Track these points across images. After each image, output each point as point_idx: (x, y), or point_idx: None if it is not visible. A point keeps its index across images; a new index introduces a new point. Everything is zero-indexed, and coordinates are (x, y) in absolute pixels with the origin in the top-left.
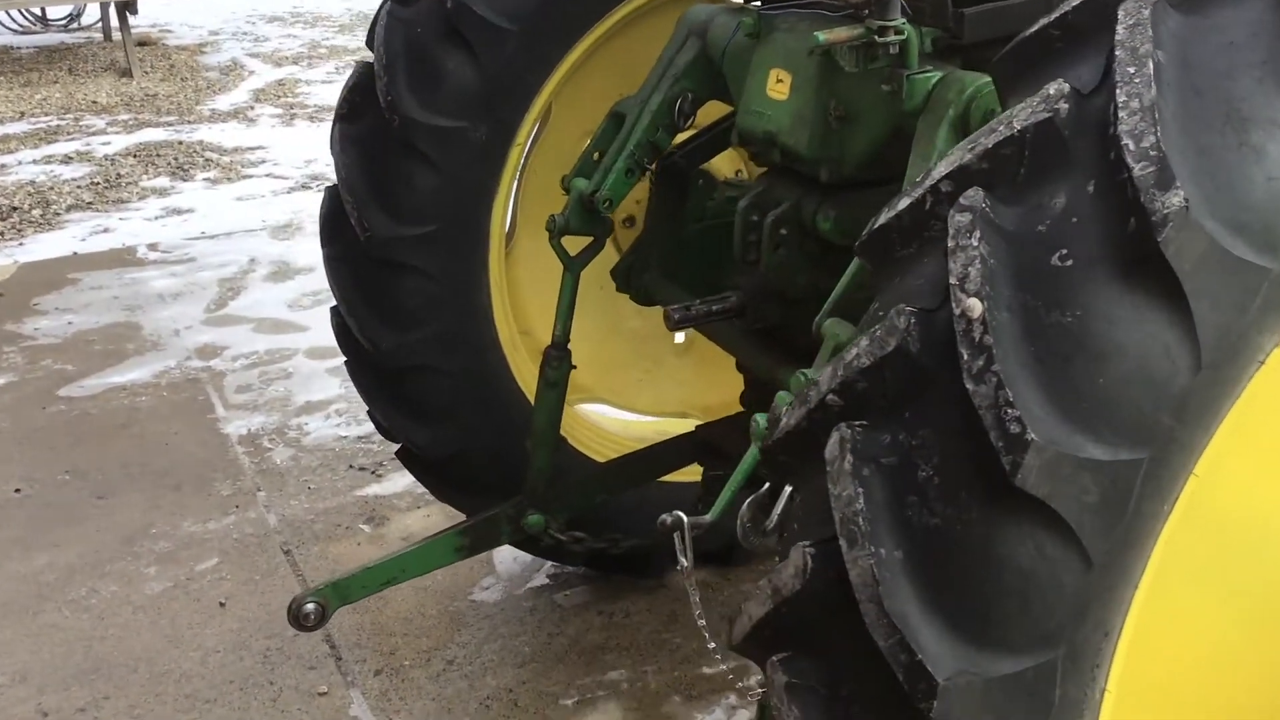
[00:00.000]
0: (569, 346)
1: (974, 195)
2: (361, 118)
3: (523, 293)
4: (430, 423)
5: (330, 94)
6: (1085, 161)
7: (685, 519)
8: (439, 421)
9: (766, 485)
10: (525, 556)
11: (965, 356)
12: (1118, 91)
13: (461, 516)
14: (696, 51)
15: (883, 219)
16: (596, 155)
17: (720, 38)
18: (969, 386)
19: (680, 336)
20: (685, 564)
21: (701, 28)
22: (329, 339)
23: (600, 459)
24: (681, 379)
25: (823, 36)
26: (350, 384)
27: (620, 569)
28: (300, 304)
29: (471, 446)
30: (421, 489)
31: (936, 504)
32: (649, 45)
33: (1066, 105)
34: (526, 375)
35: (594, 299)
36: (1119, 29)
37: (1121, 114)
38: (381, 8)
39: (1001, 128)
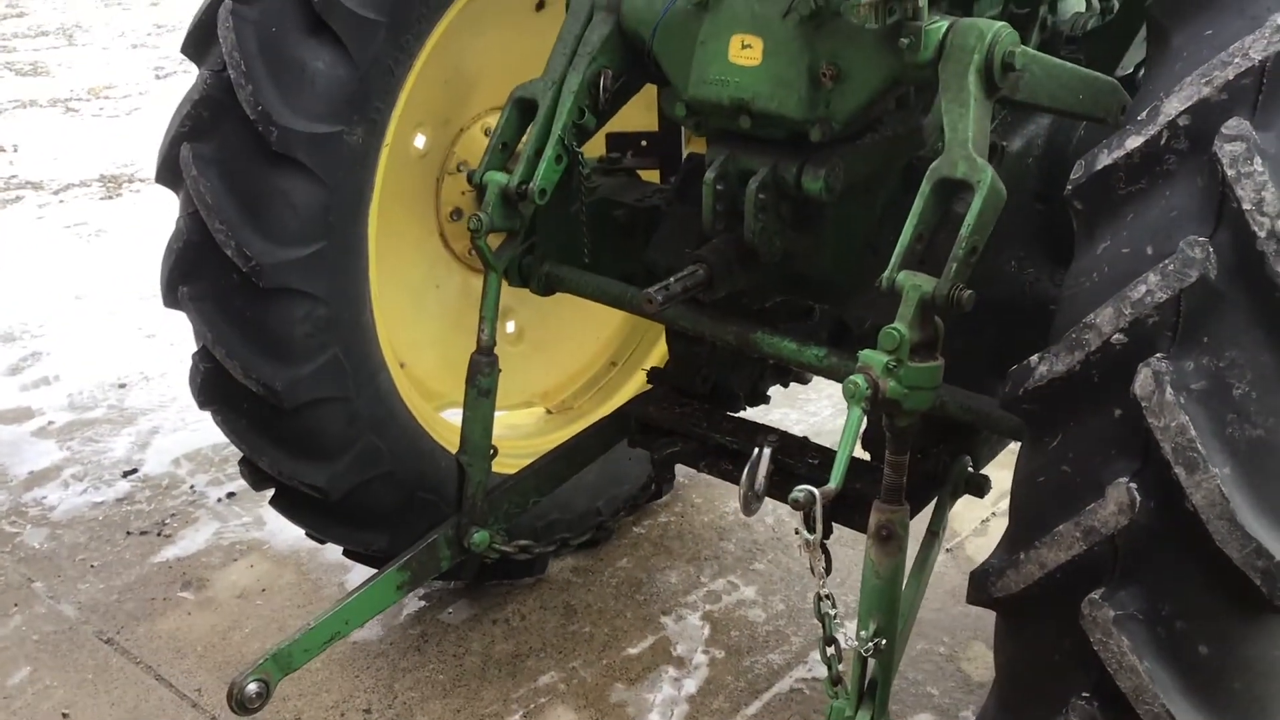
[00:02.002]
0: (495, 352)
1: (1240, 125)
2: (216, 133)
3: (383, 305)
4: (328, 460)
5: None
6: None
7: (817, 493)
8: (337, 457)
9: (756, 450)
10: None
11: None
12: None
13: (326, 553)
14: (610, 26)
15: (1104, 160)
16: (501, 145)
17: (640, 8)
18: None
19: (511, 326)
20: (812, 538)
21: (611, 1)
22: (10, 399)
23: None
24: (520, 368)
25: None
26: (76, 442)
27: (506, 574)
28: None
29: (371, 477)
30: (228, 540)
31: (1257, 416)
32: (473, 35)
33: None
34: (408, 392)
35: (430, 300)
36: None
37: None
38: (215, 9)
39: (1238, 59)
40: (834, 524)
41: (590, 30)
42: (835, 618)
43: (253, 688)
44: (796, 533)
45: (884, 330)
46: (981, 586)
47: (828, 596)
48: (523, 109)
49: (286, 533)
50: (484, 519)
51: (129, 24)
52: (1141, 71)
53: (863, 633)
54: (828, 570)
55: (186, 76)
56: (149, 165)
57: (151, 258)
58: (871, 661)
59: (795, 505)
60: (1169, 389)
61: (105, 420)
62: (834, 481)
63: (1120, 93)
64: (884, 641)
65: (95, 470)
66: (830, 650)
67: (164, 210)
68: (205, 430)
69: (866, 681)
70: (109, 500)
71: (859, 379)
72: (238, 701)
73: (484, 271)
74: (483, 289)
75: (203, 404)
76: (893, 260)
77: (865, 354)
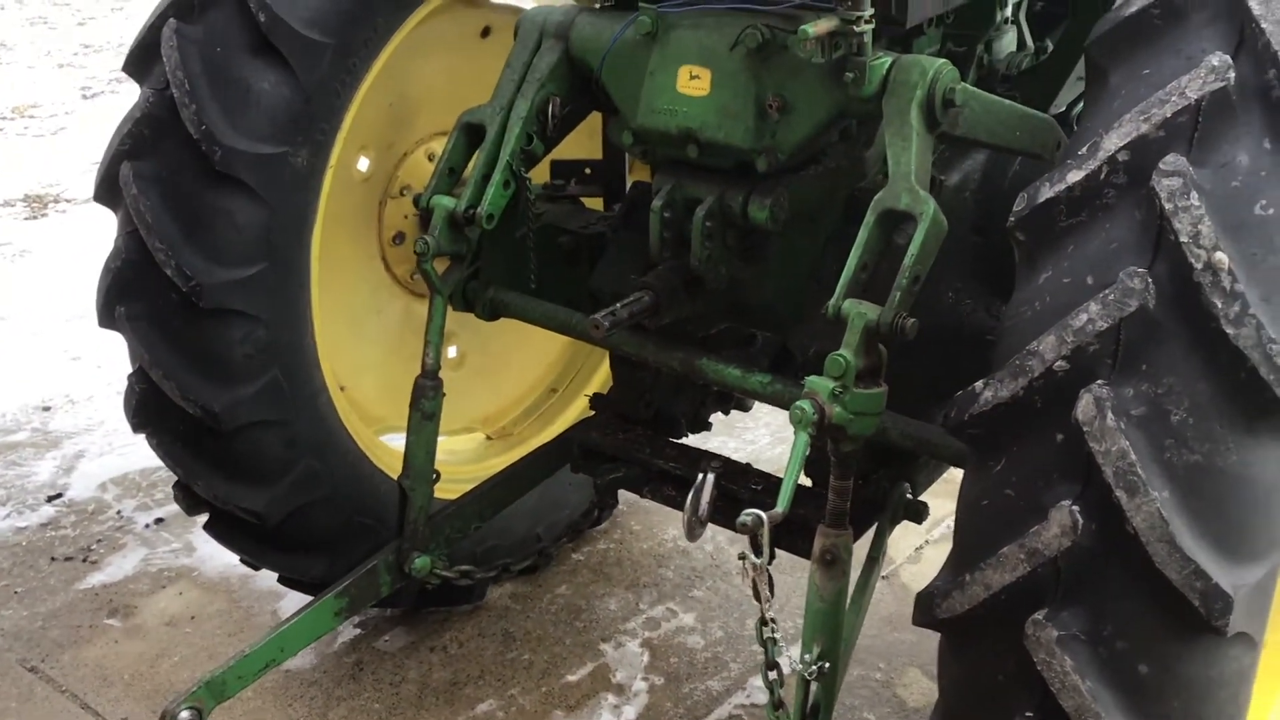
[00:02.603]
0: (440, 375)
1: (1177, 161)
2: (156, 152)
3: (324, 328)
4: (266, 483)
5: None
6: (1255, 123)
7: (765, 517)
8: (275, 481)
9: (701, 476)
10: None
11: (1220, 305)
12: None
13: (258, 580)
14: (559, 55)
15: (1046, 194)
16: (448, 170)
17: (589, 38)
18: (1229, 331)
19: (453, 351)
20: (759, 562)
21: (560, 30)
22: None
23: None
24: (461, 394)
25: (811, 30)
26: None
27: (443, 600)
28: None
29: (309, 502)
30: (156, 567)
31: (1194, 442)
32: (418, 59)
33: (1234, 75)
34: (348, 415)
35: (371, 324)
36: (1251, 3)
37: None
38: (158, 28)
39: (1174, 98)
40: (776, 549)
41: (539, 58)
42: (778, 643)
43: (185, 716)
44: (741, 558)
45: (830, 357)
46: (927, 608)
47: (771, 621)
48: (470, 134)
49: (217, 559)
50: (425, 544)
51: (55, 43)
52: (1075, 109)
53: (806, 656)
54: (771, 595)
55: (114, 96)
56: (75, 185)
57: (77, 278)
58: (814, 685)
59: (743, 529)
60: (1110, 414)
61: (29, 444)
62: (781, 506)
63: (1056, 129)
64: (827, 665)
65: (19, 495)
66: (773, 675)
67: (90, 231)
68: (133, 454)
69: (809, 705)
70: (33, 525)
71: (805, 405)
72: None
73: (429, 296)
74: (428, 313)
75: (137, 427)
76: (838, 289)
77: (811, 380)
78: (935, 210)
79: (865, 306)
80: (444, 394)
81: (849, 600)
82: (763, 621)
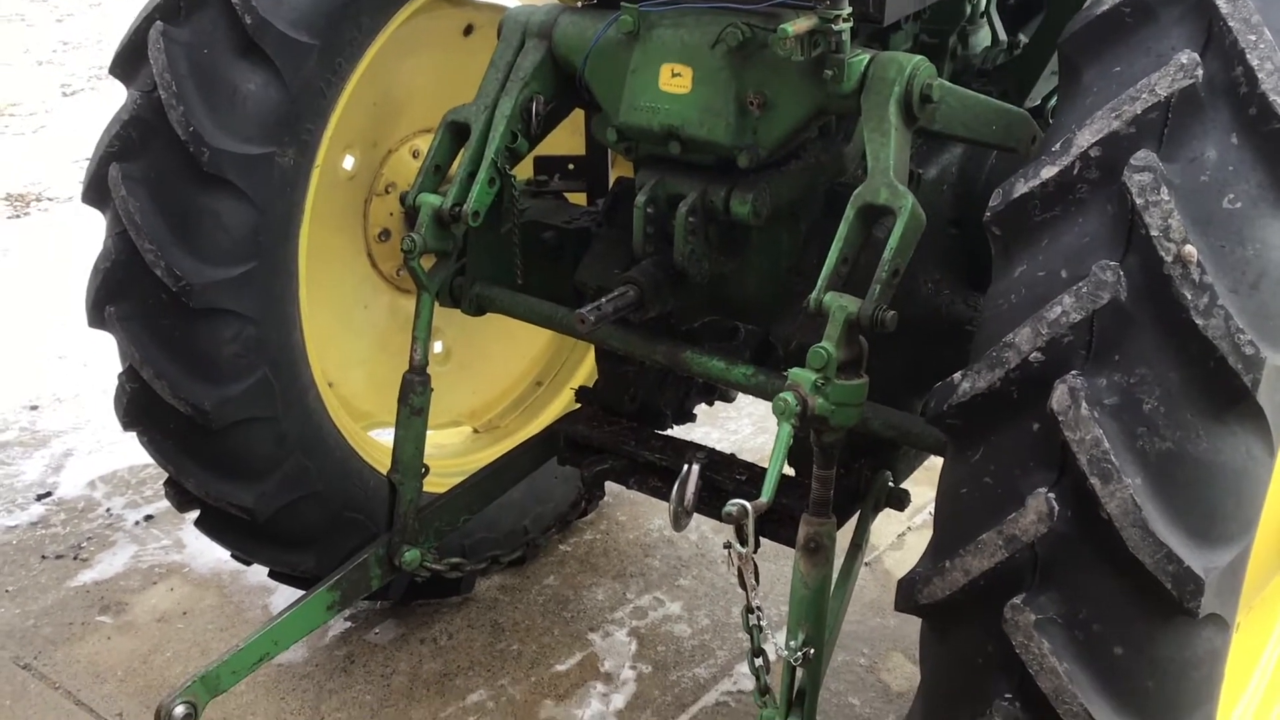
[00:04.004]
0: (428, 371)
1: (1147, 156)
2: (145, 153)
3: (312, 325)
4: (257, 479)
5: None
6: (1223, 119)
7: (749, 506)
8: (265, 477)
9: (686, 467)
10: None
11: (1189, 297)
12: (1248, 56)
13: (249, 575)
14: (542, 54)
15: (1020, 189)
16: (434, 167)
17: (572, 37)
18: (1198, 322)
19: (439, 346)
20: (744, 551)
21: (543, 29)
22: None
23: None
24: (447, 388)
25: (790, 28)
26: None
27: (433, 593)
28: None
29: (299, 497)
30: (147, 563)
31: (1166, 430)
32: (402, 58)
33: (1202, 72)
34: (336, 411)
35: (358, 320)
36: (1219, 2)
37: (1260, 75)
38: (145, 30)
39: (1145, 95)
40: (760, 538)
41: (522, 56)
42: (763, 630)
43: (180, 710)
44: (726, 547)
45: (813, 349)
46: (909, 594)
47: (757, 609)
48: (455, 132)
49: (207, 555)
50: (415, 537)
51: (34, 40)
52: (1050, 103)
53: (792, 642)
54: (756, 583)
55: (94, 94)
56: (56, 184)
57: (61, 277)
58: (800, 671)
59: (728, 519)
60: (1084, 404)
61: (17, 443)
62: (765, 496)
63: (1031, 124)
64: (812, 651)
65: (8, 493)
66: (759, 662)
67: (73, 229)
68: (121, 452)
69: (795, 690)
70: (23, 524)
71: (789, 396)
72: None
73: (417, 293)
74: (416, 310)
75: (127, 425)
76: (819, 282)
77: (794, 372)
78: (914, 204)
79: (846, 299)
80: (432, 389)
81: (833, 587)
82: (748, 609)
